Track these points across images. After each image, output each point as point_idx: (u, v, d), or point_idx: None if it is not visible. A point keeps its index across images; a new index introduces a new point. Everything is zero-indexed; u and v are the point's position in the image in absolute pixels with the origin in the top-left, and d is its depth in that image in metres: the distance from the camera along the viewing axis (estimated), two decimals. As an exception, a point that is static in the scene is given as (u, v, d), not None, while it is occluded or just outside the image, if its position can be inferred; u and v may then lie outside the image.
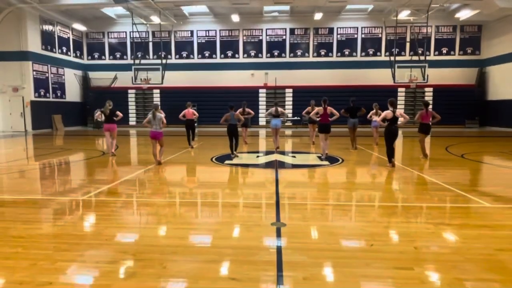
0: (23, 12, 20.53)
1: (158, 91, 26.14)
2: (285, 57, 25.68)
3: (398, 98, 24.36)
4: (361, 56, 25.31)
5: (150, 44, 25.73)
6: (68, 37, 25.03)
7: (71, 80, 25.34)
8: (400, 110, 8.74)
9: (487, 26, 24.04)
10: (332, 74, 25.17)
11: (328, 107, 9.92)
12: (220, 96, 24.77)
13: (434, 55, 24.84)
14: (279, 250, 3.73)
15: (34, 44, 21.48)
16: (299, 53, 25.62)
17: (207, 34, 25.89)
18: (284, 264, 3.37)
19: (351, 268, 3.31)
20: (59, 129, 23.25)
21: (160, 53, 24.01)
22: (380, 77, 24.37)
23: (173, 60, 25.65)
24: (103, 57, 26.86)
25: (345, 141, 13.41)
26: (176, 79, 25.27)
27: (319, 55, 25.50)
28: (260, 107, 25.30)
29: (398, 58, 22.52)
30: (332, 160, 9.85)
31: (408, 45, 24.49)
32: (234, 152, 10.44)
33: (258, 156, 11.09)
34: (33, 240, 4.02)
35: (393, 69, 21.22)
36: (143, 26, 23.80)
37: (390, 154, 8.69)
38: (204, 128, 23.21)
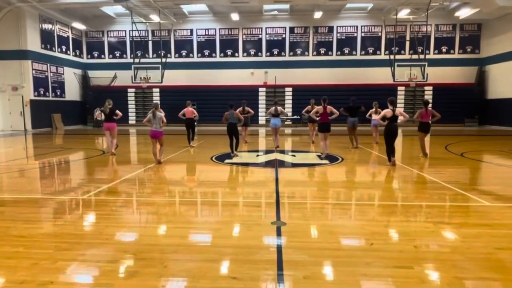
0: (23, 11, 20.52)
1: (157, 90, 26.14)
2: (284, 56, 25.66)
3: (398, 96, 24.38)
4: (360, 54, 25.28)
5: (150, 43, 25.71)
6: (68, 36, 24.99)
7: (71, 79, 25.32)
8: (399, 109, 8.74)
9: (487, 24, 24.01)
10: (332, 73, 25.16)
11: (328, 106, 9.94)
12: (220, 95, 24.79)
13: (434, 53, 24.82)
14: (279, 249, 3.74)
15: (33, 43, 21.46)
16: (298, 52, 25.59)
17: (207, 33, 25.86)
18: (285, 263, 3.38)
19: (351, 267, 3.33)
20: (59, 128, 23.24)
21: (159, 52, 24.02)
22: (379, 75, 24.37)
23: (172, 59, 25.61)
24: (102, 56, 26.82)
25: (345, 140, 13.41)
26: (176, 78, 25.25)
27: (318, 53, 25.47)
28: (260, 106, 25.34)
29: (397, 56, 22.52)
30: (332, 159, 9.86)
31: (407, 43, 24.47)
32: (234, 151, 10.46)
33: (258, 155, 11.10)
34: (34, 240, 4.03)
35: (392, 68, 21.23)
36: (143, 25, 23.78)
37: (390, 152, 8.71)
38: (204, 127, 23.20)
